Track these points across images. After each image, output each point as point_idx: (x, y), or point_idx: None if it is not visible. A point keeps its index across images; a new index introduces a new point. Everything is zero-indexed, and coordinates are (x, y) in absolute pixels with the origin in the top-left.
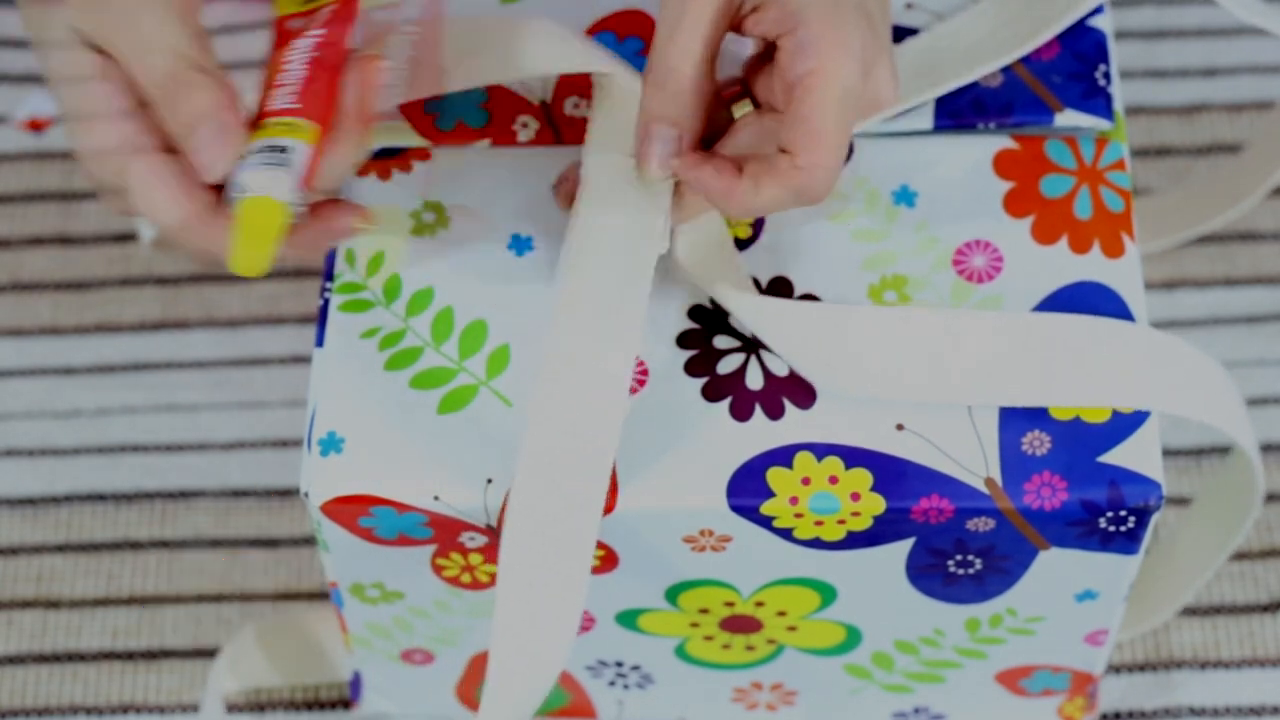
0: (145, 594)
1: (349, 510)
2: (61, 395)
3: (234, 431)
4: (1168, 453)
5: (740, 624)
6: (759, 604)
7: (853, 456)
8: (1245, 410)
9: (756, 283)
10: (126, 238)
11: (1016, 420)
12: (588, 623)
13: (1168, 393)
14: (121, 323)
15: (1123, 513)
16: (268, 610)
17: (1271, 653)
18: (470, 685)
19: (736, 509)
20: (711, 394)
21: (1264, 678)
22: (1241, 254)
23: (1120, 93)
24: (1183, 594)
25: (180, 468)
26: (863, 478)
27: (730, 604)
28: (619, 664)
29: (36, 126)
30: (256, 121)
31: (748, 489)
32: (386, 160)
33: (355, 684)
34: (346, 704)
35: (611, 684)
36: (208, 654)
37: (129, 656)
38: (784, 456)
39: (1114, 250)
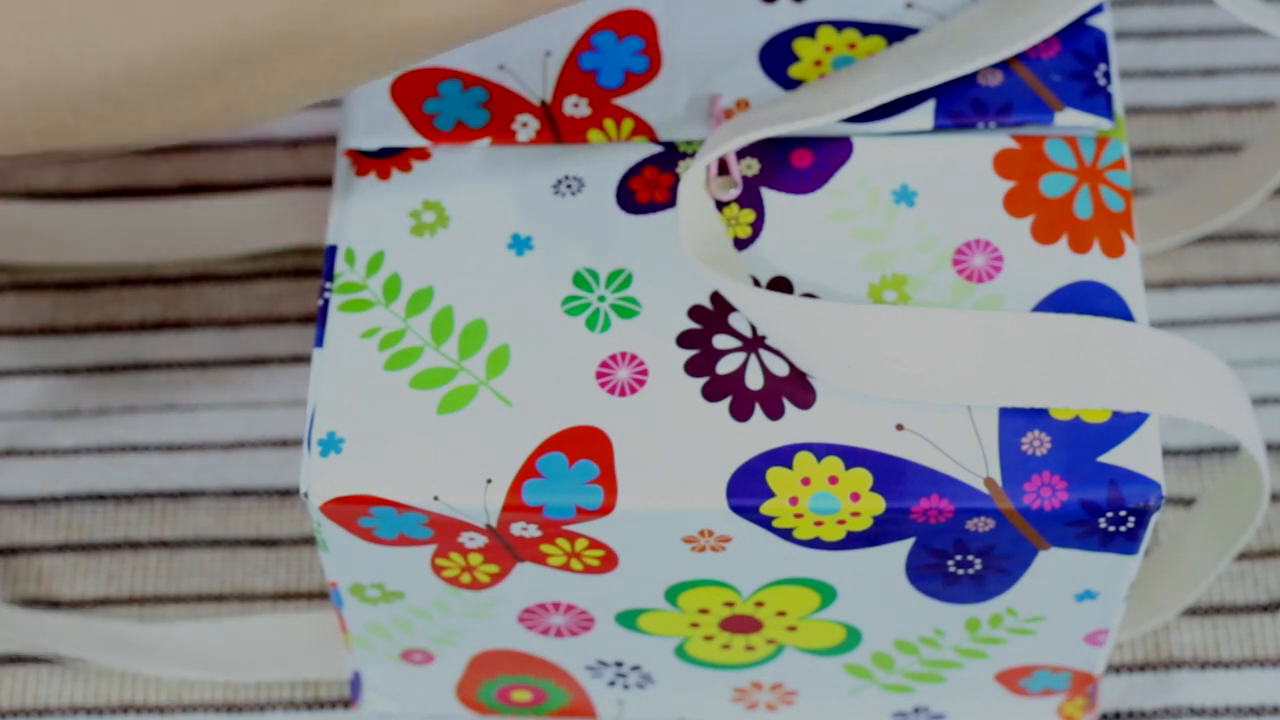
0: (145, 594)
1: (349, 510)
2: (61, 395)
3: (234, 431)
4: (1168, 453)
5: (740, 624)
6: (759, 604)
7: (852, 456)
8: (1251, 411)
9: (756, 282)
10: None
11: (1016, 420)
12: (587, 623)
13: (1170, 394)
14: (121, 323)
15: (1123, 513)
16: (267, 610)
17: (1271, 653)
18: (470, 685)
19: (736, 509)
20: (711, 394)
21: (1264, 678)
22: (1241, 254)
23: (1120, 93)
24: (1186, 595)
25: (180, 468)
26: (862, 478)
27: (730, 604)
28: (619, 664)
29: None
30: None
31: (747, 489)
32: (386, 160)
33: (355, 684)
34: (346, 704)
35: (611, 684)
36: None
37: None
38: (784, 456)
39: (1114, 250)
